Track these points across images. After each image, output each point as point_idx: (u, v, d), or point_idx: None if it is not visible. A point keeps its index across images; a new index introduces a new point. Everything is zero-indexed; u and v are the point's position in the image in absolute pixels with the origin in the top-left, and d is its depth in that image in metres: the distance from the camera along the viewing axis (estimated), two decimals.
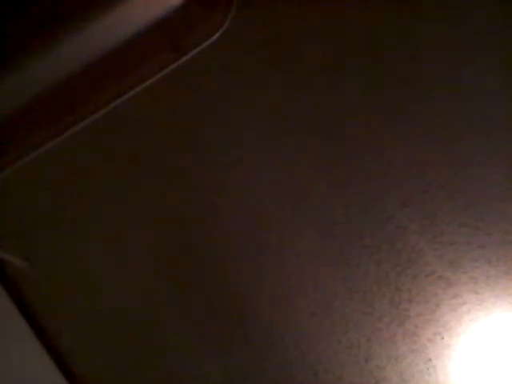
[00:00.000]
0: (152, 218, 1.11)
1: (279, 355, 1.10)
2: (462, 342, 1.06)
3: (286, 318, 1.10)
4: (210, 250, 1.10)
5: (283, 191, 1.07)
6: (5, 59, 0.92)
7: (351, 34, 1.04)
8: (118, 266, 1.12)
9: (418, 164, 1.03)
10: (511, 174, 1.01)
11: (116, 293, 1.13)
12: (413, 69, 1.03)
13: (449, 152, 1.03)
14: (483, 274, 1.03)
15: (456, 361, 1.06)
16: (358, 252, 1.06)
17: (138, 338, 1.14)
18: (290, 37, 1.05)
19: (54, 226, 1.12)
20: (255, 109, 1.07)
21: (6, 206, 1.12)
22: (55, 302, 1.14)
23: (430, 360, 1.07)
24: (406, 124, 1.03)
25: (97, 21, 0.92)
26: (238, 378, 1.12)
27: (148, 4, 0.93)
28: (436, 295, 1.05)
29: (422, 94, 1.03)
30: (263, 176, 1.08)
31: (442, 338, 1.06)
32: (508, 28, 1.00)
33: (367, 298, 1.07)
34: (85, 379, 1.15)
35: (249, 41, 1.06)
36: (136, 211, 1.11)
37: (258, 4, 1.04)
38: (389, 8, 1.02)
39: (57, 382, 1.13)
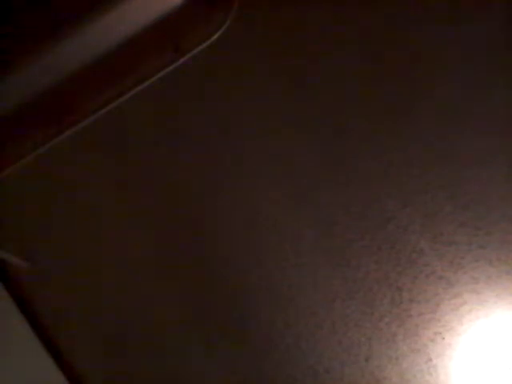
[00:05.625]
0: (152, 218, 1.11)
1: (279, 355, 1.11)
2: (462, 341, 1.06)
3: (286, 318, 1.10)
4: (210, 249, 1.10)
5: (283, 191, 1.07)
6: (5, 59, 0.92)
7: (351, 34, 1.04)
8: (118, 266, 1.12)
9: (418, 164, 1.04)
10: (511, 173, 1.01)
11: (116, 293, 1.13)
12: (413, 69, 1.03)
13: (449, 152, 1.03)
14: (484, 273, 1.03)
15: (457, 360, 1.06)
16: (358, 252, 1.06)
17: (138, 338, 1.14)
18: (289, 37, 1.05)
19: (54, 226, 1.12)
20: (255, 109, 1.07)
21: (6, 206, 1.12)
22: (55, 302, 1.14)
23: (431, 360, 1.07)
24: (406, 124, 1.03)
25: (97, 21, 0.92)
26: (238, 377, 1.12)
27: (148, 4, 0.93)
28: (437, 295, 1.05)
29: (422, 94, 1.03)
30: (263, 176, 1.08)
31: (443, 338, 1.06)
32: (508, 28, 1.00)
33: (368, 297, 1.07)
34: (85, 379, 1.15)
35: (249, 41, 1.06)
36: (136, 211, 1.11)
37: (258, 4, 1.04)
38: (389, 8, 1.02)
39: (57, 381, 1.13)
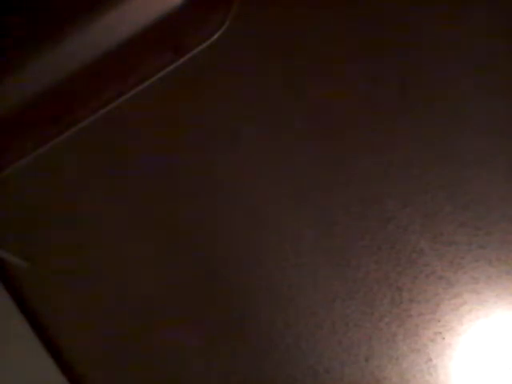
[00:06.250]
0: (152, 218, 1.11)
1: (279, 355, 1.10)
2: (462, 341, 1.06)
3: (286, 318, 1.10)
4: (210, 250, 1.10)
5: (283, 191, 1.07)
6: (5, 59, 0.92)
7: (351, 34, 1.04)
8: (117, 267, 1.12)
9: (418, 164, 1.04)
10: (511, 173, 1.01)
11: (116, 293, 1.13)
12: (413, 68, 1.03)
13: (449, 152, 1.03)
14: (484, 273, 1.03)
15: (457, 360, 1.06)
16: (358, 252, 1.06)
17: (138, 338, 1.14)
18: (289, 37, 1.05)
19: (54, 225, 1.12)
20: (255, 109, 1.07)
21: (6, 206, 1.12)
22: (55, 302, 1.14)
23: (431, 360, 1.07)
24: (406, 124, 1.03)
25: (97, 21, 0.92)
26: (238, 377, 1.12)
27: (148, 4, 0.93)
28: (437, 295, 1.05)
29: (422, 93, 1.03)
30: (263, 176, 1.08)
31: (443, 338, 1.06)
32: (508, 28, 1.00)
33: (368, 297, 1.07)
34: (85, 379, 1.15)
35: (249, 41, 1.06)
36: (136, 211, 1.11)
37: (258, 4, 1.04)
38: (389, 8, 1.02)
39: (57, 381, 1.13)
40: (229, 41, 1.02)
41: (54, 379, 1.12)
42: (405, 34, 1.02)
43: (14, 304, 1.12)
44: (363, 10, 1.03)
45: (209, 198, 1.09)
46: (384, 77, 1.03)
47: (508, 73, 1.00)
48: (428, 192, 1.04)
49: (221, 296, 1.11)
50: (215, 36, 1.00)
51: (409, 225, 1.04)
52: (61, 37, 0.92)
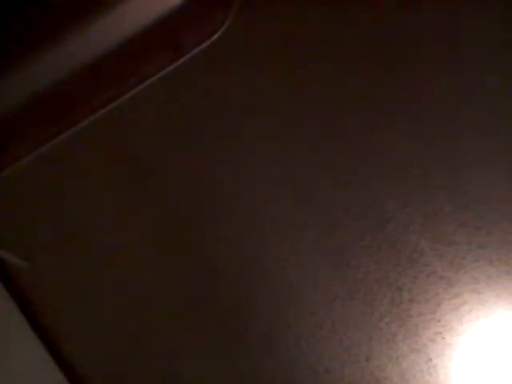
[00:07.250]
0: (152, 218, 1.11)
1: (280, 355, 1.10)
2: (462, 341, 1.06)
3: (286, 318, 1.10)
4: (210, 250, 1.10)
5: (283, 191, 1.07)
6: (5, 59, 0.92)
7: (351, 34, 1.04)
8: (118, 267, 1.12)
9: (418, 164, 1.04)
10: (511, 173, 1.01)
11: (116, 293, 1.13)
12: (413, 69, 1.03)
13: (449, 152, 1.03)
14: (484, 273, 1.03)
15: (457, 360, 1.06)
16: (358, 252, 1.06)
17: (138, 339, 1.14)
18: (290, 37, 1.05)
19: (54, 225, 1.12)
20: (255, 109, 1.07)
21: (6, 206, 1.12)
22: (56, 302, 1.14)
23: (431, 360, 1.07)
24: (406, 124, 1.03)
25: (97, 21, 0.92)
26: (238, 378, 1.12)
27: (148, 4, 0.93)
28: (437, 295, 1.05)
29: (422, 93, 1.03)
30: (263, 176, 1.08)
31: (443, 338, 1.06)
32: (508, 28, 1.00)
33: (368, 297, 1.07)
34: (85, 379, 1.15)
35: (249, 41, 1.06)
36: (136, 211, 1.11)
37: (258, 4, 1.04)
38: (389, 9, 1.02)
39: (57, 381, 1.13)
40: (229, 41, 1.02)
41: (54, 379, 1.12)
42: (405, 35, 1.02)
43: (14, 304, 1.12)
44: (363, 9, 1.03)
45: (209, 197, 1.09)
46: (384, 76, 1.03)
47: (508, 73, 1.00)
48: (428, 192, 1.04)
49: (221, 296, 1.11)
50: (215, 36, 1.00)
51: (409, 225, 1.04)
52: (61, 37, 0.92)
